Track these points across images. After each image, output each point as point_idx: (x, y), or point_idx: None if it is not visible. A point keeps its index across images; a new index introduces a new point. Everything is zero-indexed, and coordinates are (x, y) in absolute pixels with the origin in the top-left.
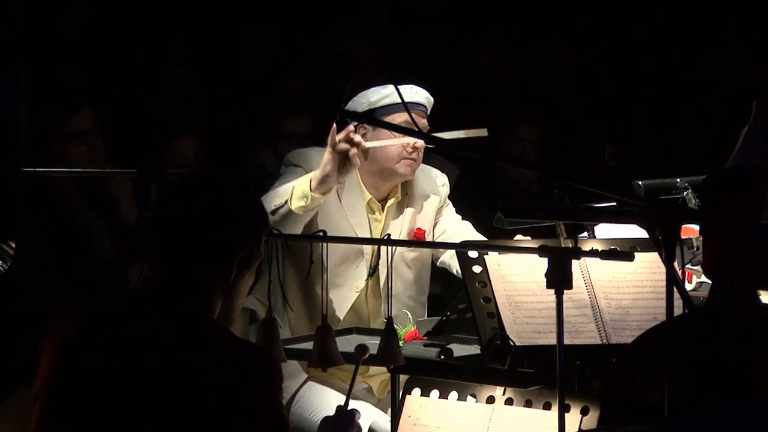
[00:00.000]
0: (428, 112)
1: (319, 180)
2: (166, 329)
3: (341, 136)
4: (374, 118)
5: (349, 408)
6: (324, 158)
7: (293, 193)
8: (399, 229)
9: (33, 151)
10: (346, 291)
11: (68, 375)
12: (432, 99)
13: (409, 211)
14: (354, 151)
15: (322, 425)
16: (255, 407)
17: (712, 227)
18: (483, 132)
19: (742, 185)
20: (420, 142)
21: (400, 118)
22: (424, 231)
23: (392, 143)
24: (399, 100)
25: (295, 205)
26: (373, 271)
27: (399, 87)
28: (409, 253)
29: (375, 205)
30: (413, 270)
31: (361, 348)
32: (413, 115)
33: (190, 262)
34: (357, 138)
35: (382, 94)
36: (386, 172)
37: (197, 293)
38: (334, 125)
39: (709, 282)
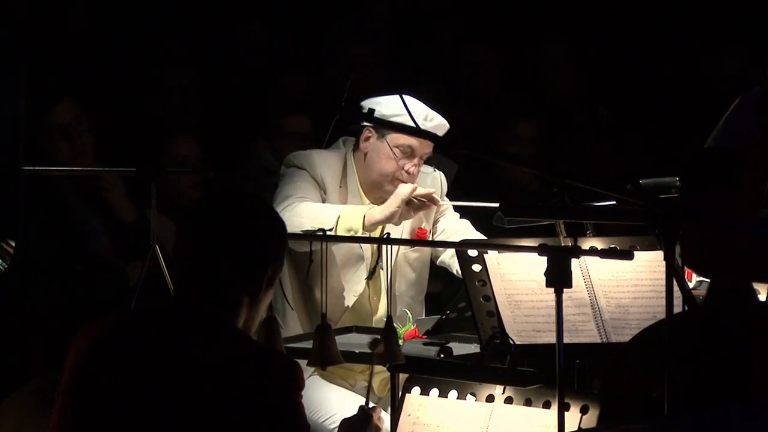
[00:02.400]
0: None
1: (378, 222)
2: (192, 335)
3: (422, 192)
4: (376, 119)
5: (370, 406)
6: (392, 205)
7: (338, 223)
8: (400, 230)
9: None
10: (345, 295)
11: (93, 374)
12: (447, 126)
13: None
14: (428, 210)
15: (342, 426)
16: (277, 412)
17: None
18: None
19: (719, 171)
20: (416, 169)
21: (406, 139)
22: (426, 230)
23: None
24: (410, 121)
25: (340, 231)
26: (373, 271)
27: (422, 107)
28: (412, 253)
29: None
30: (415, 270)
31: (376, 341)
32: (419, 141)
33: (222, 277)
34: (437, 200)
35: (395, 111)
36: (377, 185)
37: (225, 306)
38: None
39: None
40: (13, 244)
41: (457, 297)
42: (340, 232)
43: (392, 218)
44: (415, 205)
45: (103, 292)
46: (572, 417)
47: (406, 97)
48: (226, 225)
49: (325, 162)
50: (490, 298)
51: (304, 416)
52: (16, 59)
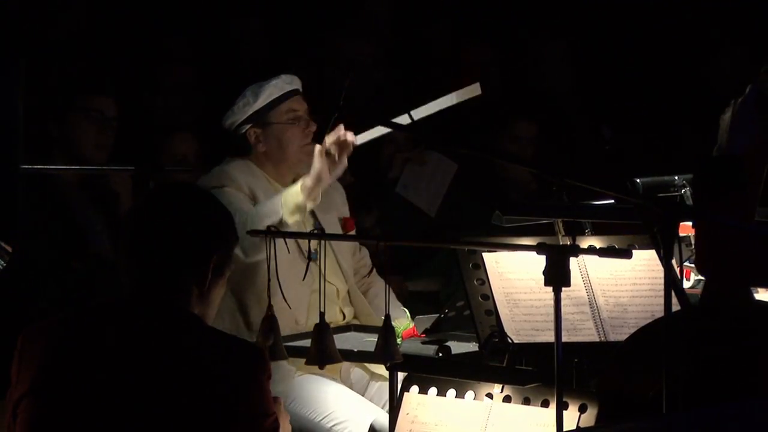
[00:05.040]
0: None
1: (312, 188)
2: (150, 326)
3: (331, 139)
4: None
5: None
6: (315, 165)
7: (283, 209)
8: (332, 215)
9: (42, 126)
10: (295, 284)
11: (60, 372)
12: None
13: (333, 197)
14: (349, 152)
15: None
16: (241, 398)
17: (706, 223)
18: (476, 90)
19: (735, 178)
20: (313, 127)
21: (285, 106)
22: (351, 219)
23: (380, 132)
24: (278, 94)
25: (291, 219)
26: (315, 254)
27: (273, 81)
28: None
29: None
30: (350, 248)
31: (266, 333)
32: (295, 101)
33: (168, 264)
34: (349, 137)
35: (264, 94)
36: (293, 160)
37: (176, 294)
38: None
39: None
40: (11, 242)
41: (455, 296)
42: (290, 216)
43: (322, 176)
44: (332, 155)
45: (101, 291)
46: (570, 416)
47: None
48: (167, 215)
49: (237, 172)
50: (489, 296)
51: (272, 404)
52: (14, 57)
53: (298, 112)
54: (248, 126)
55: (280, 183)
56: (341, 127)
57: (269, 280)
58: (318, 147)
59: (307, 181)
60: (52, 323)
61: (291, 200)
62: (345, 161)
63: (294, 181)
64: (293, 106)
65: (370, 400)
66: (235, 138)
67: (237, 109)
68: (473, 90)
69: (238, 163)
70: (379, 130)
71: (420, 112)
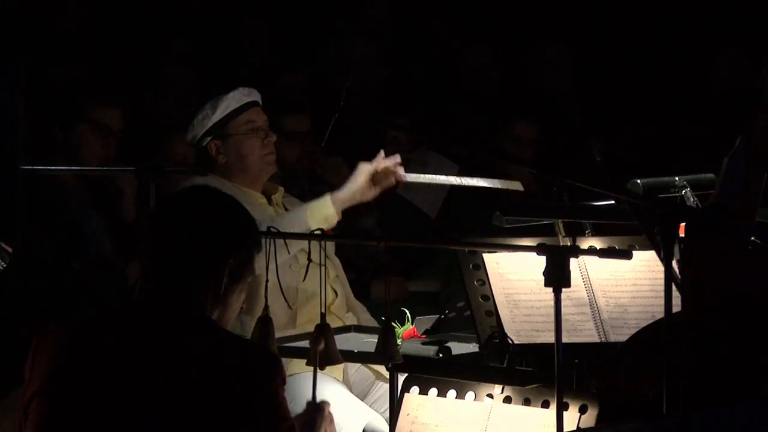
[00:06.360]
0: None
1: (344, 202)
2: (165, 329)
3: (385, 163)
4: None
5: (318, 401)
6: (357, 180)
7: (309, 218)
8: None
9: (48, 130)
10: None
11: (70, 374)
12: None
13: None
14: (390, 183)
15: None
16: (261, 404)
17: (690, 257)
18: (518, 185)
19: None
20: (273, 138)
21: (244, 118)
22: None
23: (436, 180)
24: (236, 106)
25: (315, 227)
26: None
27: (231, 93)
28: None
29: (262, 199)
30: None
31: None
32: (254, 113)
33: (182, 267)
34: (399, 170)
35: (221, 107)
36: (254, 170)
37: (190, 298)
38: (382, 152)
39: None
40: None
41: (456, 296)
42: (315, 224)
43: (357, 194)
44: (378, 179)
45: (101, 292)
46: (571, 416)
47: (235, 93)
48: (183, 218)
49: (213, 185)
50: (489, 297)
51: (288, 409)
52: (15, 58)
53: (257, 123)
54: (209, 139)
55: (249, 183)
56: (397, 156)
57: (267, 281)
58: (366, 165)
59: (340, 194)
60: (66, 323)
61: (319, 211)
62: (379, 190)
63: (263, 190)
64: (251, 117)
65: (375, 402)
66: (198, 151)
67: (197, 123)
68: (515, 185)
69: (210, 177)
70: (430, 178)
71: (462, 180)
